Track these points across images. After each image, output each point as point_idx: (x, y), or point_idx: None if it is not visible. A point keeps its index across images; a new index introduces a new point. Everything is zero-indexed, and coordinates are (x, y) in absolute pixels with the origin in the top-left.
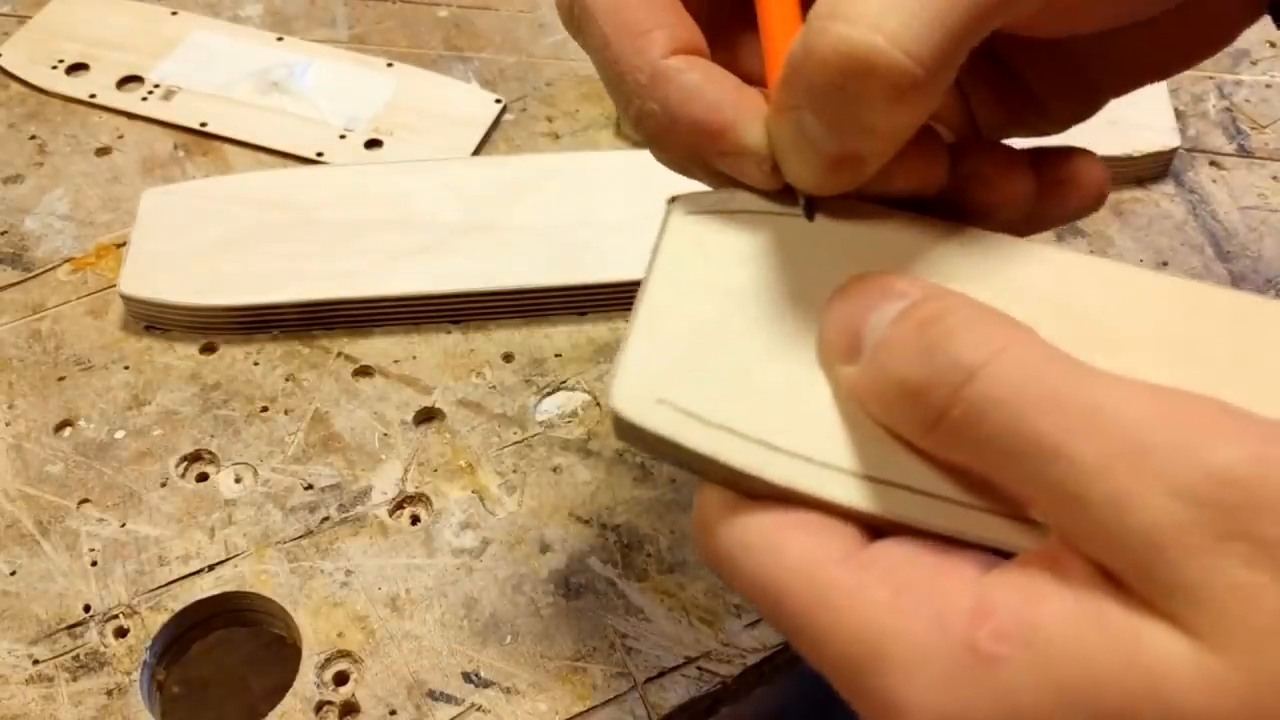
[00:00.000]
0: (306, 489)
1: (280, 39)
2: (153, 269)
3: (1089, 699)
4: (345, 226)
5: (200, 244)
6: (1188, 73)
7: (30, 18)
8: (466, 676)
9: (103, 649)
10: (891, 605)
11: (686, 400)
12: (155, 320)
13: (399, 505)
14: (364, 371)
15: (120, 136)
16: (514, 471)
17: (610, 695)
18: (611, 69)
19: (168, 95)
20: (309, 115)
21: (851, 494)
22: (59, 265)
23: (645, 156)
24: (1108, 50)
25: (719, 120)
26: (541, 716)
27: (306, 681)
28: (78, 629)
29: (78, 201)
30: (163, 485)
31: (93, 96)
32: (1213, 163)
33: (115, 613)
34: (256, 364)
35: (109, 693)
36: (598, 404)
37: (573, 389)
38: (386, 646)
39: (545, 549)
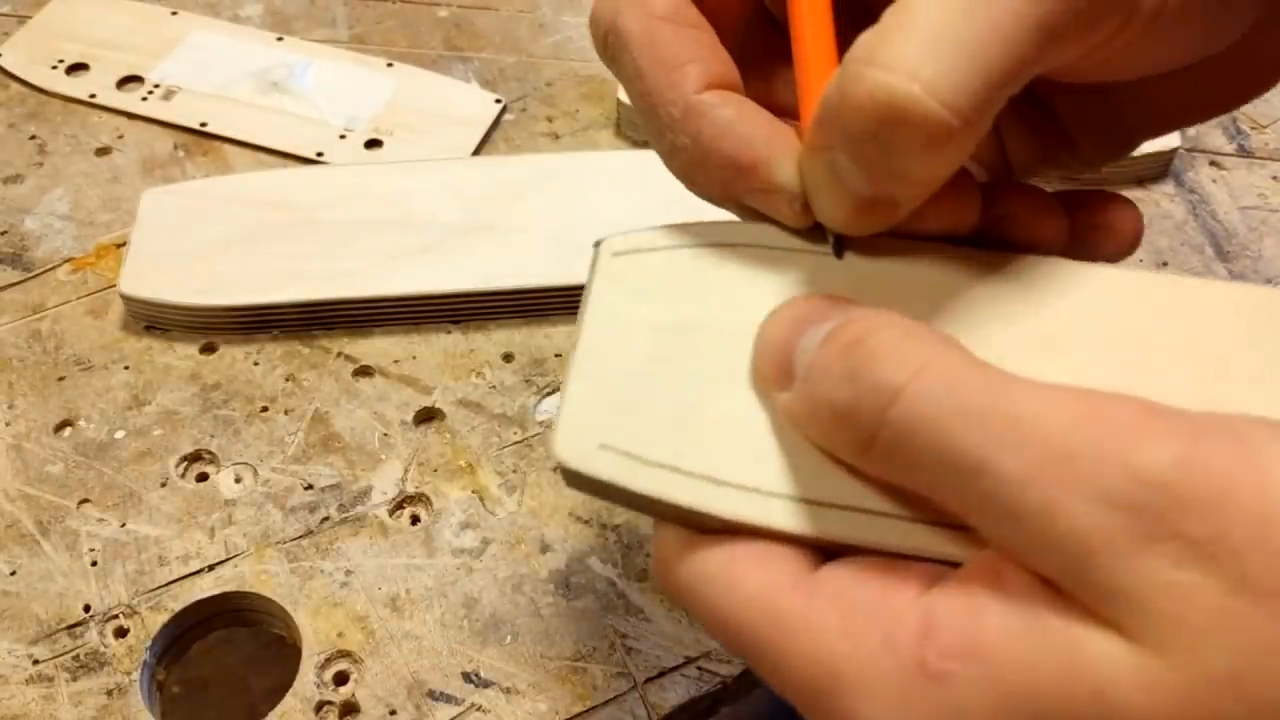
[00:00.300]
0: (306, 489)
1: (280, 39)
2: (153, 269)
3: (1035, 709)
4: (345, 226)
5: (200, 244)
6: None
7: (30, 18)
8: (466, 676)
9: (103, 649)
10: (842, 630)
11: (629, 442)
12: (155, 320)
13: (399, 505)
14: (364, 371)
15: (120, 136)
16: (514, 471)
17: (610, 695)
18: (645, 101)
19: (168, 95)
20: (309, 115)
21: (797, 520)
22: (59, 265)
23: (645, 157)
24: (1147, 94)
25: (751, 157)
26: (542, 716)
27: (306, 681)
28: (78, 629)
29: (78, 201)
30: (163, 485)
31: (93, 96)
32: (1213, 163)
33: (115, 613)
34: (256, 364)
35: (109, 693)
36: None
37: None
38: (386, 646)
39: (545, 549)
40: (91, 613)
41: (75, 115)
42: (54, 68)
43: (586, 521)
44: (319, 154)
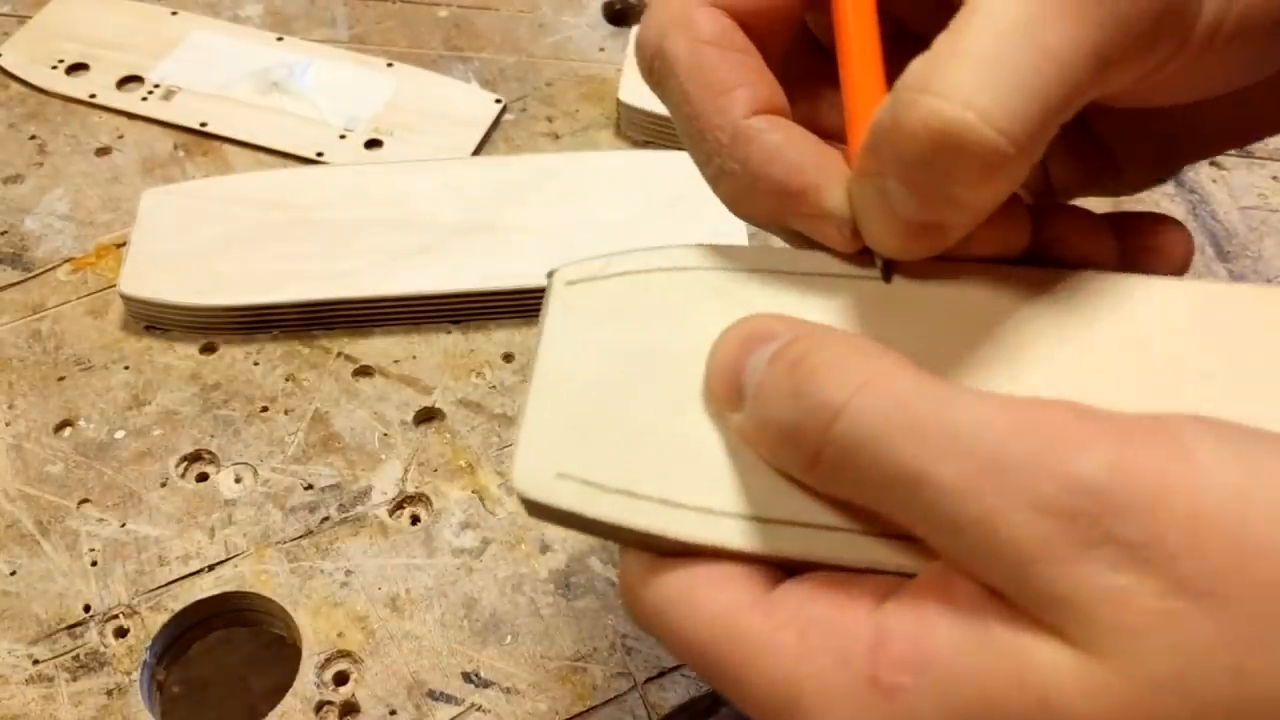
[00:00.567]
0: (306, 489)
1: (280, 39)
2: (153, 269)
3: (985, 719)
4: (345, 226)
5: (200, 244)
6: None
7: (30, 18)
8: (466, 676)
9: (103, 649)
10: (798, 648)
11: (586, 470)
12: (155, 320)
13: (399, 505)
14: (364, 371)
15: (120, 136)
16: None
17: (610, 695)
18: (692, 125)
19: (168, 95)
20: (309, 115)
21: (752, 539)
22: (59, 265)
23: (645, 157)
24: (1196, 117)
25: (800, 182)
26: (542, 716)
27: (306, 681)
28: (78, 629)
29: (78, 201)
30: (163, 485)
31: (93, 96)
32: (1213, 163)
33: (115, 613)
34: (256, 364)
35: (109, 693)
36: None
37: None
38: (386, 646)
39: (545, 549)
40: (91, 613)
41: (75, 115)
42: (54, 68)
43: None
44: (319, 154)
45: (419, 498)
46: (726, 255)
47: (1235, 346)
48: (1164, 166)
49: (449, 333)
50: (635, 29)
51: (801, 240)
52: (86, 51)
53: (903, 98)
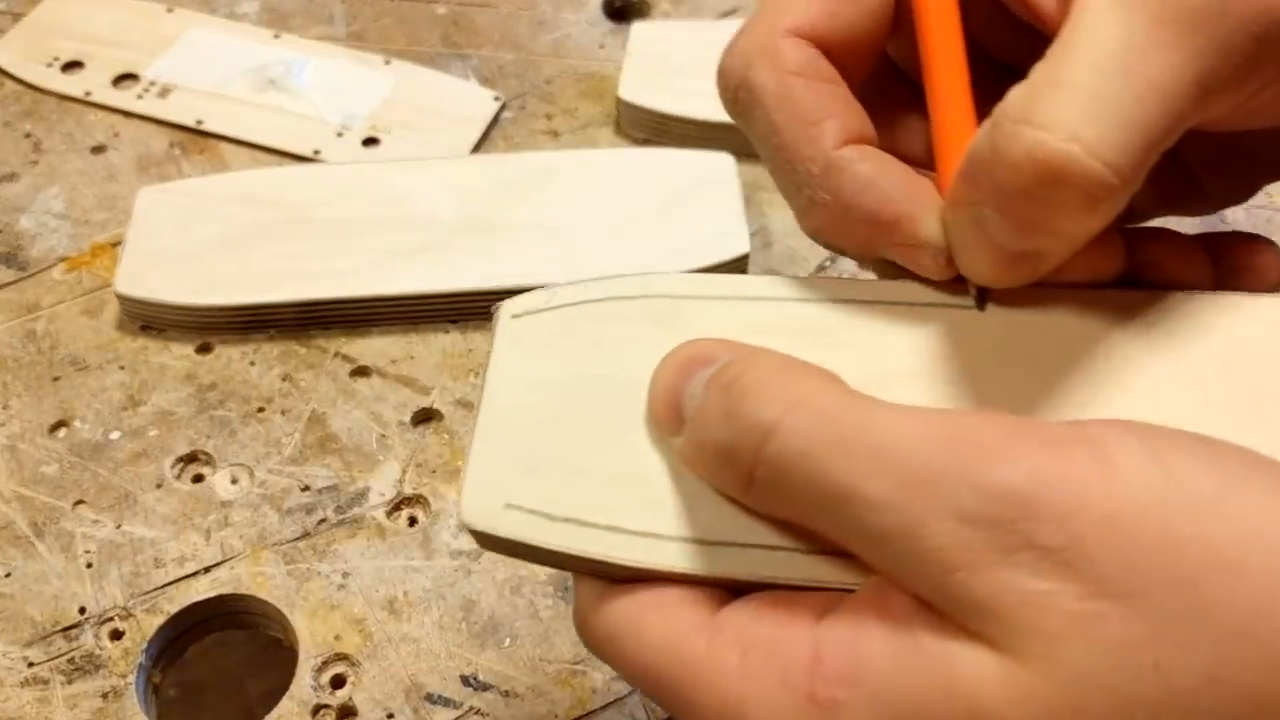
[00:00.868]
0: (303, 490)
1: (277, 36)
2: (148, 268)
3: None
4: (342, 225)
5: (196, 243)
6: None
7: (25, 15)
8: (465, 679)
9: (98, 651)
10: (741, 670)
11: (532, 499)
12: (151, 320)
13: (396, 507)
14: (361, 371)
15: (116, 134)
16: None
17: (610, 699)
18: (780, 157)
19: (163, 93)
20: (306, 113)
21: (696, 562)
22: (54, 265)
23: (645, 155)
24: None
25: (894, 212)
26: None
27: (303, 685)
28: (73, 631)
29: (73, 200)
30: (158, 486)
31: (88, 94)
32: None
33: (111, 615)
34: (253, 364)
35: (104, 695)
36: None
37: None
38: (384, 649)
39: None
40: (87, 615)
41: (70, 113)
42: (49, 65)
43: None
44: (316, 152)
45: (417, 499)
46: (670, 284)
47: None
48: (1246, 187)
49: (447, 332)
50: (633, 25)
51: (889, 269)
52: (82, 49)
53: (1003, 129)
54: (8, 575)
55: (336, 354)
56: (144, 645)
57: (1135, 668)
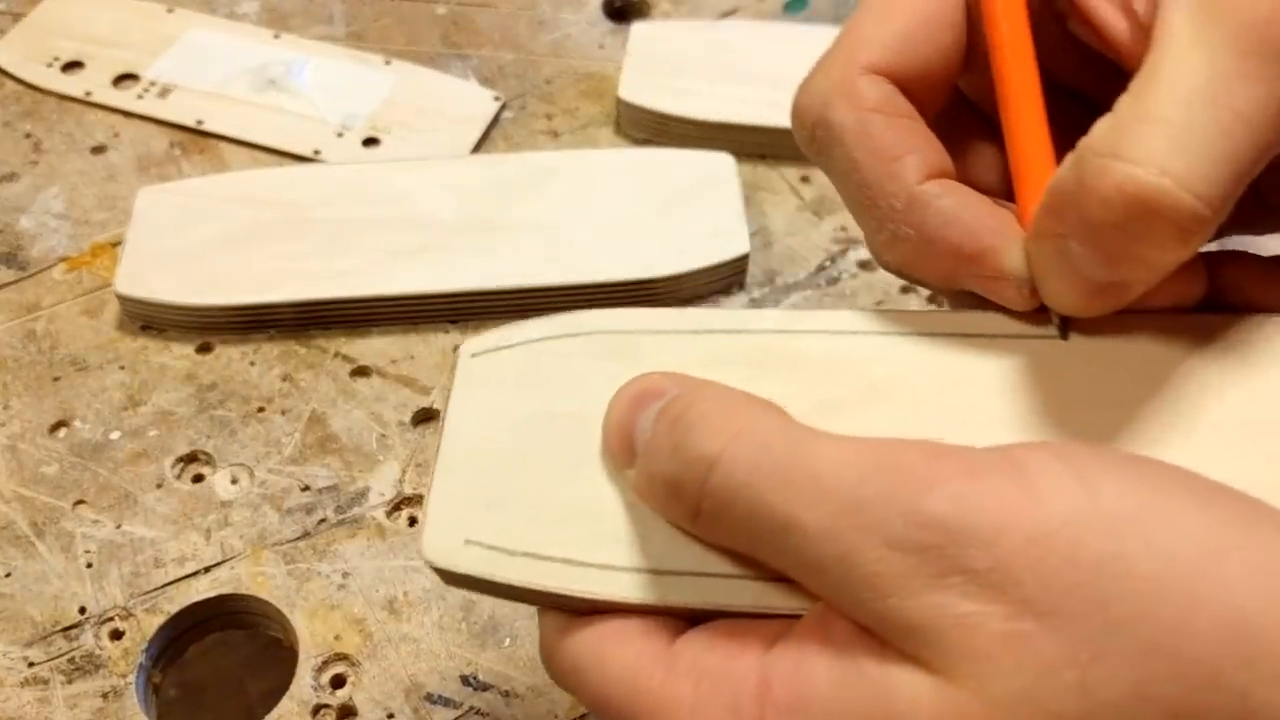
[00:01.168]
0: (303, 490)
1: (277, 36)
2: (148, 268)
3: None
4: (342, 225)
5: (196, 243)
6: None
7: (25, 15)
8: (465, 680)
9: (98, 651)
10: (694, 700)
11: (493, 535)
12: (151, 320)
13: (396, 507)
14: (361, 371)
15: (116, 135)
16: None
17: None
18: (862, 194)
19: (164, 93)
20: (306, 113)
21: (651, 592)
22: (54, 265)
23: (645, 154)
24: None
25: (978, 245)
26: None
27: (303, 685)
28: (73, 631)
29: (73, 200)
30: (158, 486)
31: (88, 94)
32: None
33: (111, 615)
34: (253, 364)
35: (104, 695)
36: None
37: None
38: (384, 649)
39: None
40: (87, 615)
41: (70, 113)
42: (49, 65)
43: None
44: (316, 152)
45: (417, 499)
46: (626, 319)
47: None
48: None
49: (447, 332)
50: (633, 25)
51: (968, 300)
52: (82, 49)
53: (1090, 163)
54: (8, 575)
55: (336, 354)
56: (144, 645)
57: (1061, 685)
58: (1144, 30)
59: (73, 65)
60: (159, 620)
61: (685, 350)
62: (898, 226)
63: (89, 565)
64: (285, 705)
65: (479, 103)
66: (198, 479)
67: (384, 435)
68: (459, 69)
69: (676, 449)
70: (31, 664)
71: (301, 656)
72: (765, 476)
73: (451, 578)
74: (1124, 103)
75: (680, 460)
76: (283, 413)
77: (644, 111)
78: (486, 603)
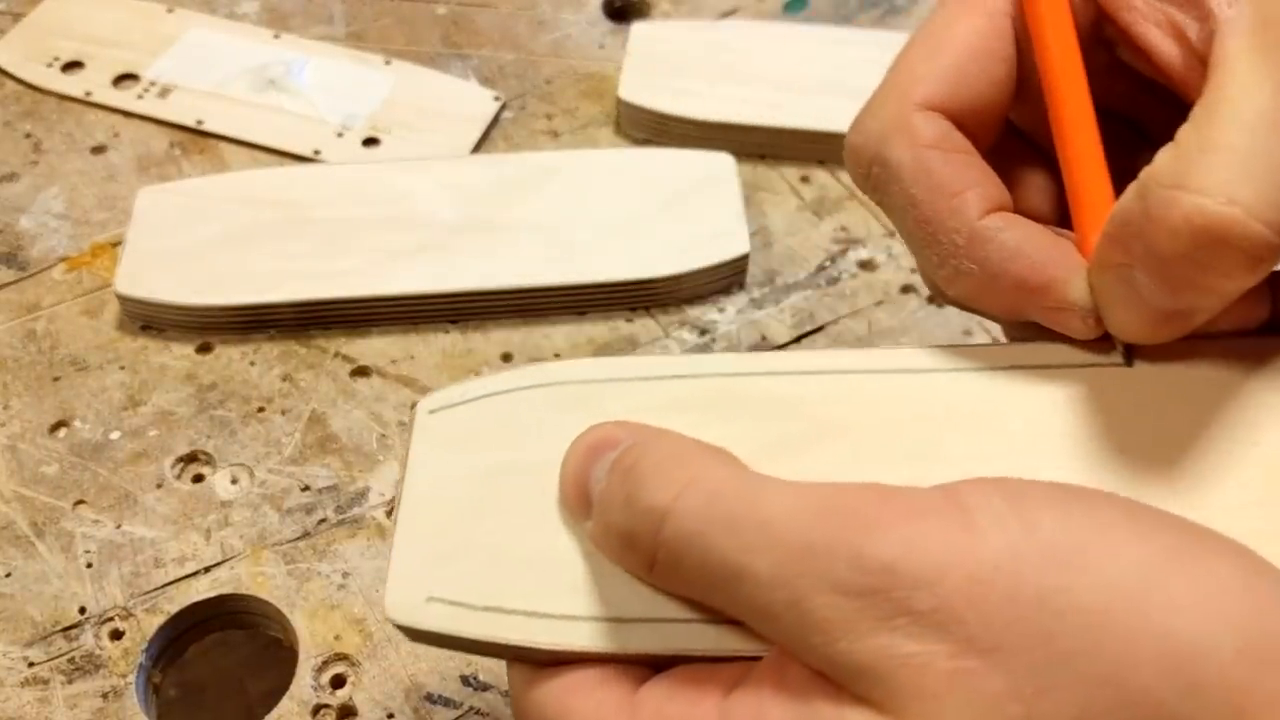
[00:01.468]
0: (303, 490)
1: (277, 36)
2: (148, 268)
3: None
4: (342, 225)
5: (196, 243)
6: None
7: (25, 15)
8: (465, 680)
9: (98, 651)
10: None
11: (454, 591)
12: (151, 320)
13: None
14: (361, 371)
15: (116, 135)
16: None
17: None
18: (923, 230)
19: (164, 93)
20: (306, 113)
21: (612, 640)
22: (54, 265)
23: (645, 154)
24: None
25: (1042, 278)
26: None
27: (303, 685)
28: (73, 631)
29: (73, 200)
30: (158, 486)
31: (88, 94)
32: None
33: (111, 615)
34: (253, 364)
35: (104, 695)
36: None
37: None
38: (384, 649)
39: None
40: (87, 615)
41: (70, 113)
42: (49, 65)
43: None
44: (316, 152)
45: None
46: (581, 369)
47: None
48: None
49: (447, 332)
50: (633, 25)
51: (1029, 330)
52: (82, 49)
53: (1156, 194)
54: (8, 575)
55: (336, 354)
56: (144, 645)
57: (1004, 719)
58: (1197, 56)
59: (73, 65)
60: (159, 620)
61: (644, 397)
62: (960, 262)
63: (89, 565)
64: (285, 705)
65: (479, 103)
66: (198, 479)
67: (384, 435)
68: (459, 69)
69: (629, 500)
70: (31, 664)
71: (301, 656)
72: (716, 526)
73: (415, 634)
74: (1186, 132)
75: (633, 512)
76: (283, 413)
77: (644, 111)
78: None
